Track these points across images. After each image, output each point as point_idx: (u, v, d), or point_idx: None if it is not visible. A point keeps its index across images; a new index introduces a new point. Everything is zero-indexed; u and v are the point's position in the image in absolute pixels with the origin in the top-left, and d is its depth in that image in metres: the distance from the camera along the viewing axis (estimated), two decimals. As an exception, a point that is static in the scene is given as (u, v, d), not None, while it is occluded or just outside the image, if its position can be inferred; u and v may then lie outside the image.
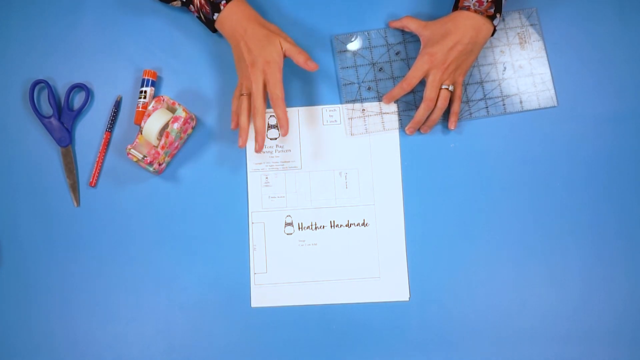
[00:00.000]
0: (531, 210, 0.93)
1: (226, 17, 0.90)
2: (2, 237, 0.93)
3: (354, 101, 0.96)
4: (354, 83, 0.97)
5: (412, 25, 0.94)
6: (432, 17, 0.94)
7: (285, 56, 0.90)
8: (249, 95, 0.90)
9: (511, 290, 0.91)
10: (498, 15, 0.89)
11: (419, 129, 0.94)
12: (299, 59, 0.89)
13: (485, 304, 0.91)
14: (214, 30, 0.94)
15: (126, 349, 0.91)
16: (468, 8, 0.89)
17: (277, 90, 0.87)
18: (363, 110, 0.96)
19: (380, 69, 0.97)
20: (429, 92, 0.89)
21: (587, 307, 0.91)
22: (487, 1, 0.88)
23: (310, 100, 0.97)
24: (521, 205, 0.93)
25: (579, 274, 0.91)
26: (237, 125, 0.92)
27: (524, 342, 0.90)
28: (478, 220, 0.93)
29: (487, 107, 0.96)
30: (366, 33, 0.98)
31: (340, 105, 0.96)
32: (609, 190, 0.93)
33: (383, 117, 0.96)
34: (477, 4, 0.89)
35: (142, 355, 0.91)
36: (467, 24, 0.88)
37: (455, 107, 0.93)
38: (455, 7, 0.91)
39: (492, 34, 0.91)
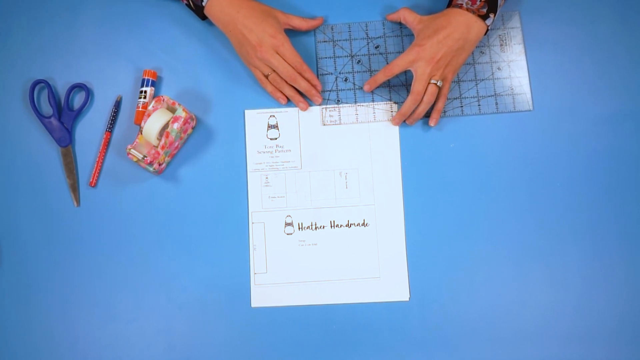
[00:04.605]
0: (531, 211, 0.93)
1: (216, 1, 0.90)
2: (2, 237, 0.93)
3: (329, 91, 0.96)
4: (331, 74, 0.97)
5: (409, 18, 0.94)
6: (428, 10, 0.95)
7: (285, 26, 0.93)
8: (273, 72, 0.92)
9: (511, 290, 0.91)
10: (492, 15, 0.89)
11: (404, 121, 0.95)
12: (302, 24, 0.94)
13: (485, 304, 0.91)
14: (204, 18, 0.93)
15: (126, 349, 0.91)
16: (460, 6, 0.89)
17: (297, 59, 0.91)
18: (338, 100, 0.96)
19: (359, 62, 0.97)
20: (417, 86, 0.89)
21: (587, 307, 0.91)
22: (480, 0, 0.88)
23: (309, 100, 0.97)
24: (521, 206, 0.93)
25: (579, 273, 0.91)
26: (286, 98, 0.95)
27: (524, 342, 0.90)
28: (478, 220, 0.93)
29: (462, 107, 0.96)
30: (347, 25, 0.98)
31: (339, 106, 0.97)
32: (609, 190, 0.93)
33: (357, 109, 0.96)
34: (469, 2, 0.89)
35: (142, 355, 0.91)
36: (459, 19, 0.88)
37: (440, 104, 0.93)
38: (449, 4, 0.91)
39: (486, 33, 0.91)
